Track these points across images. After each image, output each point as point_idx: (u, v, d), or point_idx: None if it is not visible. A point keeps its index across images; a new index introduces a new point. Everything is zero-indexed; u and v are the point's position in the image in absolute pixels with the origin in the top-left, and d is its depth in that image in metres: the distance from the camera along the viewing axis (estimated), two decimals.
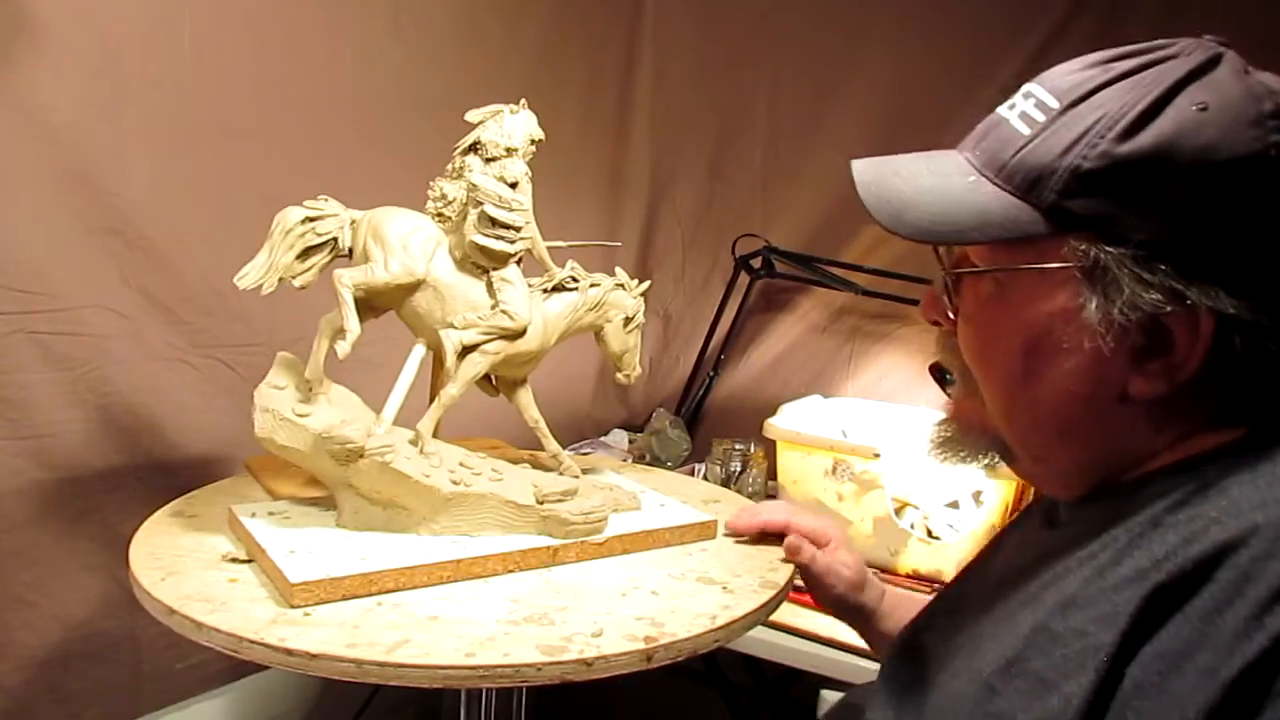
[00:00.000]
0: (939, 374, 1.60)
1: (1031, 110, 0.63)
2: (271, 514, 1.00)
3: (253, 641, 0.77)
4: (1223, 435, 0.61)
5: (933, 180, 0.66)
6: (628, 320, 1.12)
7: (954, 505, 1.46)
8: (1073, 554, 0.62)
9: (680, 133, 2.14)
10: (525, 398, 1.10)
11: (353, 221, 1.02)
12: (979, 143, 0.67)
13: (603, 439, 2.06)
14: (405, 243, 0.99)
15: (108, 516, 1.22)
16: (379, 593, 0.86)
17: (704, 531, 1.05)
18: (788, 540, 1.01)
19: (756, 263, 1.99)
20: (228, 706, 1.39)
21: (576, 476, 1.08)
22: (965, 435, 0.73)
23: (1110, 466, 0.65)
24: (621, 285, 1.12)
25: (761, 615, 0.89)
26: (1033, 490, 1.62)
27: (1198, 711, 0.50)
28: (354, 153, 1.46)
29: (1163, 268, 0.57)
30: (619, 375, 1.15)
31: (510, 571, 0.93)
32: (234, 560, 0.92)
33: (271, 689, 1.45)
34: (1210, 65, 0.60)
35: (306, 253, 1.00)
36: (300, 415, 0.94)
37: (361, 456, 0.92)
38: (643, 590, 0.90)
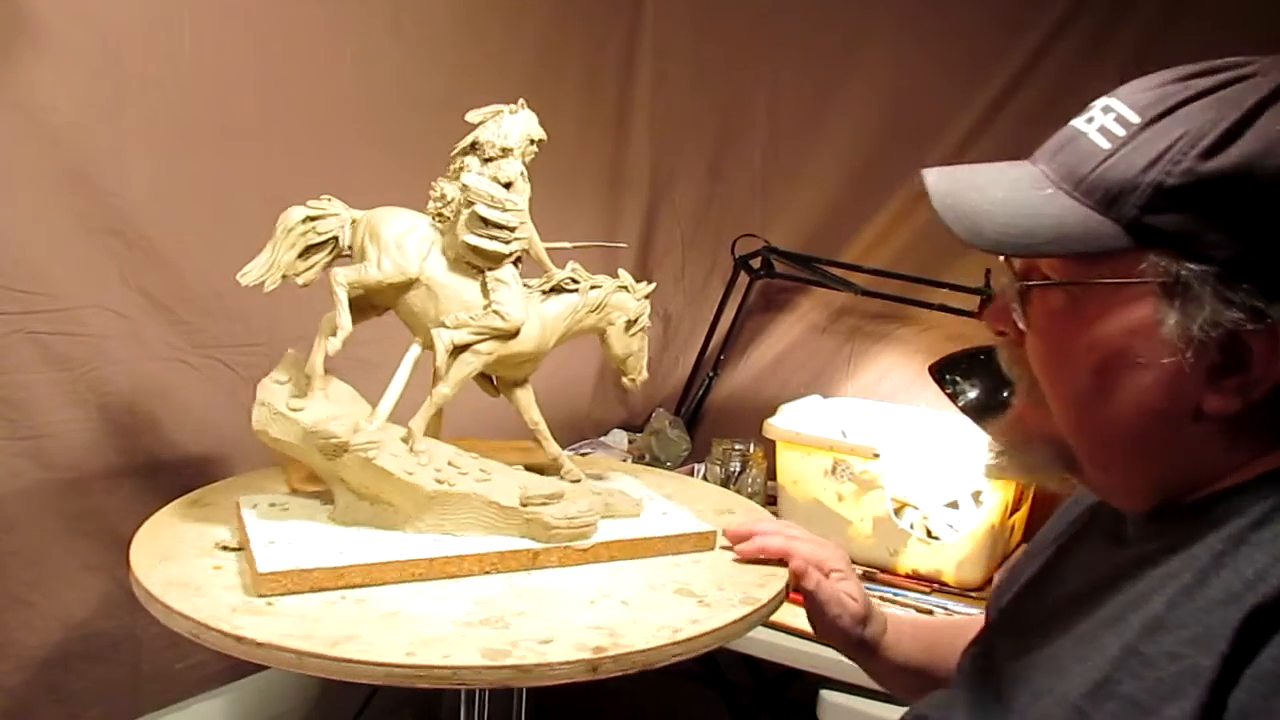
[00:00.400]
0: (939, 375, 1.60)
1: (1111, 124, 0.62)
2: (273, 505, 1.01)
3: (209, 628, 0.79)
4: None
5: (1006, 193, 0.65)
6: (630, 323, 1.10)
7: (953, 505, 1.46)
8: (1150, 573, 0.62)
9: (680, 133, 2.14)
10: (525, 399, 1.09)
11: (354, 221, 1.03)
12: (1054, 155, 0.65)
13: (602, 439, 2.06)
14: (399, 242, 1.01)
15: (108, 516, 1.22)
16: (347, 587, 0.87)
17: (701, 542, 1.02)
18: (793, 565, 0.98)
19: (756, 263, 1.99)
20: (227, 706, 1.39)
21: (577, 480, 1.08)
22: (1028, 445, 0.71)
23: (1181, 483, 0.65)
24: (625, 287, 1.10)
25: (731, 633, 0.85)
26: (1031, 491, 1.62)
27: None
28: (354, 153, 1.46)
29: (1245, 286, 0.57)
30: (624, 379, 1.13)
31: (487, 573, 0.92)
32: (225, 548, 0.94)
33: (271, 689, 1.45)
34: None
35: (308, 251, 1.01)
36: (293, 410, 0.96)
37: (346, 452, 0.94)
38: (613, 599, 0.88)
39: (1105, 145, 0.62)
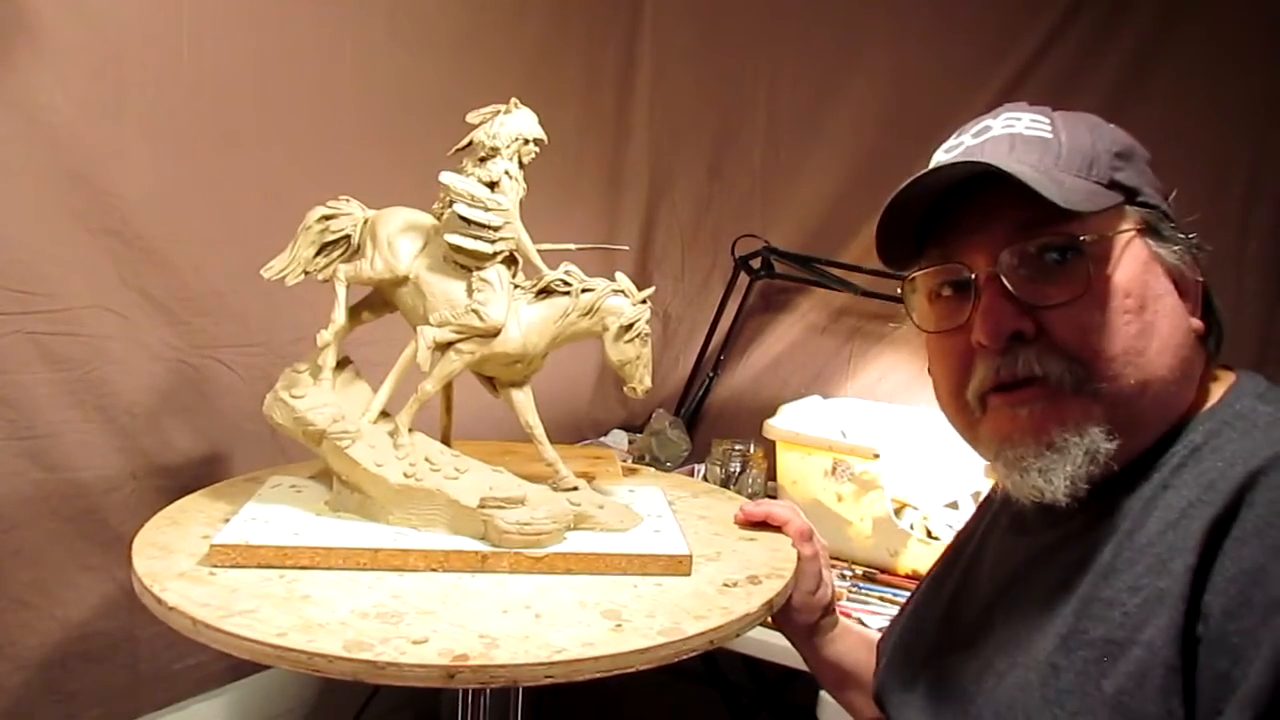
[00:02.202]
0: None
1: (1031, 124, 0.72)
2: (293, 487, 1.07)
3: (146, 589, 0.84)
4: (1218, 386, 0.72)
5: (1033, 168, 0.69)
6: (625, 329, 1.03)
7: (953, 505, 1.46)
8: (1087, 536, 0.68)
9: (680, 133, 2.14)
10: (522, 401, 1.07)
11: (365, 220, 1.06)
12: (1010, 155, 0.71)
13: (602, 439, 2.06)
14: (391, 240, 1.04)
15: (107, 516, 1.22)
16: (293, 567, 0.90)
17: (672, 565, 0.96)
18: (799, 525, 1.04)
19: (756, 263, 1.99)
20: (227, 707, 1.39)
21: (572, 488, 1.05)
22: (1067, 436, 0.68)
23: (1178, 413, 0.70)
24: (621, 291, 1.04)
25: (619, 663, 0.80)
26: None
27: None
28: (354, 153, 1.46)
29: (1171, 222, 0.71)
30: (625, 387, 1.06)
31: (433, 569, 0.93)
32: (226, 521, 0.98)
33: (271, 689, 1.45)
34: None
35: (325, 249, 1.06)
36: (294, 397, 1.00)
37: (324, 439, 0.99)
38: (530, 611, 0.85)
39: (1048, 134, 0.71)
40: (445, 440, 1.11)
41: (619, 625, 0.84)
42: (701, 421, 2.09)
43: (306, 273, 1.05)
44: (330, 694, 1.53)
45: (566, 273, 1.05)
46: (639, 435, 2.02)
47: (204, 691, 1.36)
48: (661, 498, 1.15)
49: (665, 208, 2.18)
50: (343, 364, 1.08)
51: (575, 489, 1.06)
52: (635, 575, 0.95)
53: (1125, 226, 0.69)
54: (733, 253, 2.00)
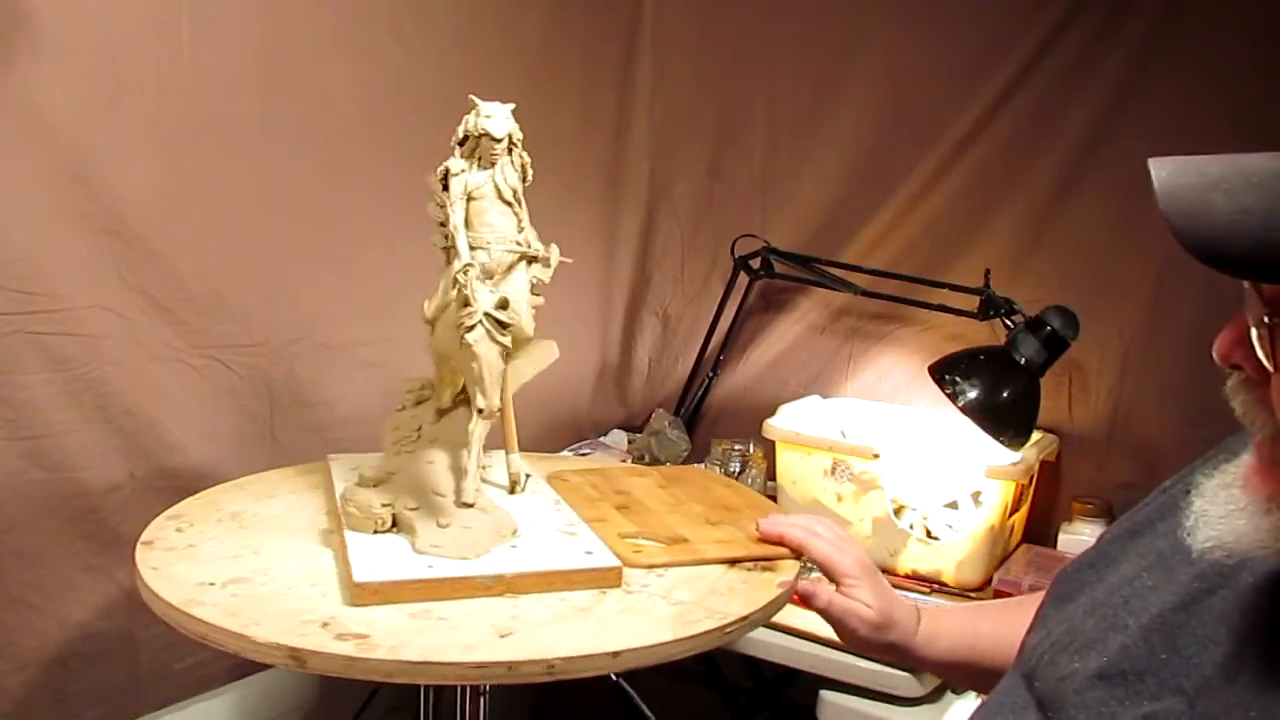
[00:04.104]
0: (939, 375, 1.58)
1: None
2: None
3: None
4: None
5: (1262, 197, 0.50)
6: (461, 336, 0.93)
7: (953, 505, 1.46)
8: None
9: (680, 133, 2.13)
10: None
11: None
12: None
13: (602, 439, 2.06)
14: None
15: (107, 516, 1.22)
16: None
17: (602, 578, 0.93)
18: (801, 586, 0.95)
19: (755, 263, 1.99)
20: (227, 706, 1.39)
21: (469, 505, 0.97)
22: (1262, 511, 0.54)
23: None
24: (465, 293, 0.94)
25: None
26: (1031, 492, 1.60)
27: None
28: (354, 153, 1.46)
29: None
30: None
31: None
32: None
33: (271, 689, 1.45)
34: None
35: None
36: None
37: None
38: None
39: None
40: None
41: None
42: (701, 421, 2.09)
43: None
44: (330, 694, 1.53)
45: (464, 269, 0.96)
46: (639, 435, 2.02)
47: (204, 691, 1.36)
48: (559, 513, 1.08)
49: (665, 208, 2.18)
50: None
51: (470, 505, 0.98)
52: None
53: None
54: (732, 253, 2.00)
